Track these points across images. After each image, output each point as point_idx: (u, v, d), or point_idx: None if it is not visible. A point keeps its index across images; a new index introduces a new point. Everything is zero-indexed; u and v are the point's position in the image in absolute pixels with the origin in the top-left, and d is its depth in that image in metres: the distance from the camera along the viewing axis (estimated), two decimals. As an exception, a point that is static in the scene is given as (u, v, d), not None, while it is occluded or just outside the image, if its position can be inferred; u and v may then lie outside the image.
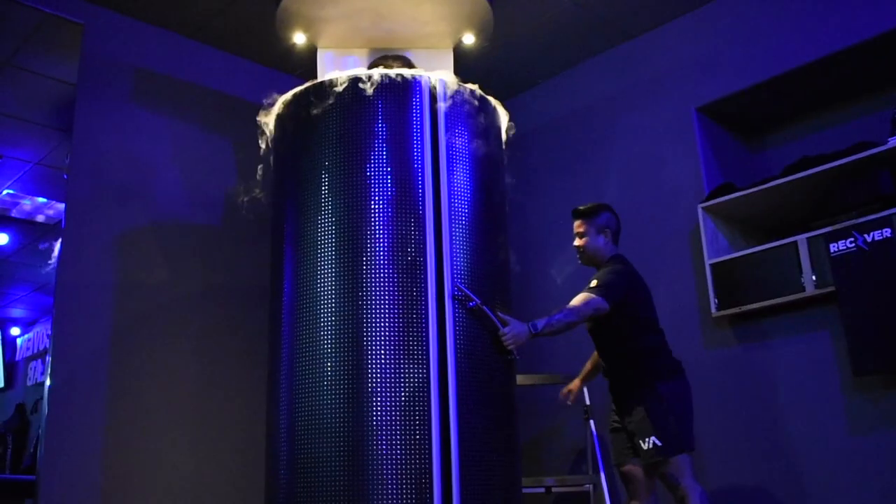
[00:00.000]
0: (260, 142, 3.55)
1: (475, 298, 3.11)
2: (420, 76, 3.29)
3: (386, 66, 3.54)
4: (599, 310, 3.47)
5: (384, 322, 2.96)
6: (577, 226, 3.77)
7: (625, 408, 3.55)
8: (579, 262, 3.83)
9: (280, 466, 3.04)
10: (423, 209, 3.12)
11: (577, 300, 3.48)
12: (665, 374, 3.52)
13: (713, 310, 4.14)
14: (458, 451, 2.91)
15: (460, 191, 3.24)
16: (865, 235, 3.69)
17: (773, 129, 4.75)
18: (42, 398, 4.04)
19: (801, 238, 3.90)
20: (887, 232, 3.63)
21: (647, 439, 3.41)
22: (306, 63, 4.27)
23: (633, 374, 3.55)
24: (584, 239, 3.74)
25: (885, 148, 3.76)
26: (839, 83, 4.32)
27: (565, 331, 3.48)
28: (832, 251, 3.76)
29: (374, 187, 3.11)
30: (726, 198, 4.18)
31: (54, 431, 3.74)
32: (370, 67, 3.73)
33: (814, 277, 3.83)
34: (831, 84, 4.32)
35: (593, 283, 3.56)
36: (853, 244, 3.71)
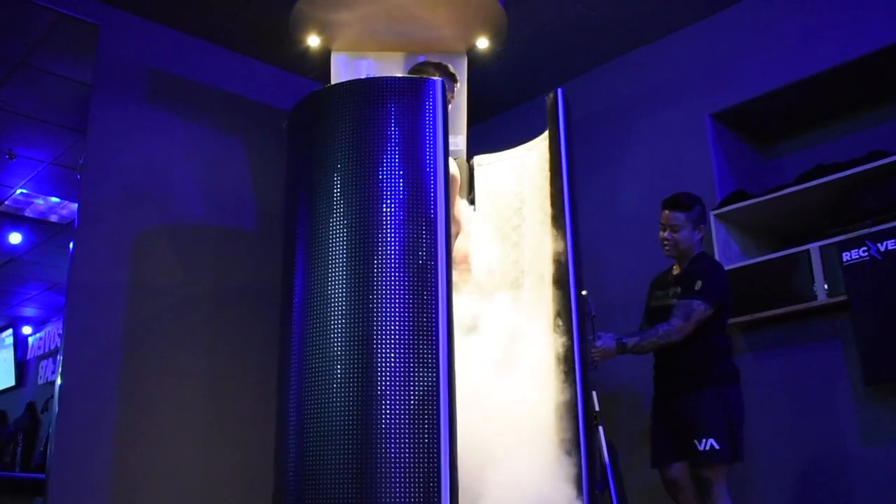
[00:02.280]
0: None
1: (593, 310, 3.16)
2: (433, 79, 3.29)
3: (427, 74, 3.52)
4: (702, 320, 3.46)
5: (394, 325, 2.96)
6: (671, 217, 3.68)
7: (682, 406, 3.49)
8: (666, 253, 3.75)
9: (289, 467, 3.04)
10: (435, 213, 3.11)
11: (680, 315, 3.45)
12: (730, 378, 3.51)
13: (725, 318, 4.12)
14: (466, 455, 2.89)
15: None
16: (879, 244, 3.67)
17: (787, 137, 4.73)
18: (53, 397, 4.05)
19: (813, 246, 3.88)
20: (901, 241, 3.61)
21: (704, 440, 3.36)
22: (320, 66, 4.28)
23: (700, 374, 3.50)
24: (679, 232, 3.67)
25: (899, 156, 3.75)
26: (854, 91, 4.30)
27: (656, 350, 3.52)
28: (845, 260, 3.75)
29: (386, 191, 3.11)
30: (739, 205, 4.17)
31: (64, 430, 3.75)
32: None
33: (826, 286, 3.81)
34: (846, 92, 4.30)
35: (697, 285, 3.50)
36: (866, 253, 3.69)
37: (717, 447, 3.34)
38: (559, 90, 3.48)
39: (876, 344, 3.62)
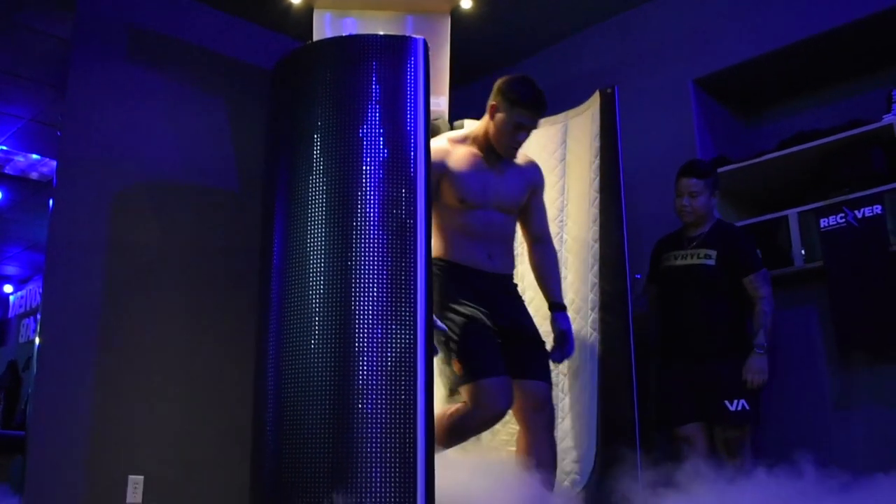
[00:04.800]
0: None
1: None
2: (416, 38, 3.27)
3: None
4: None
5: (373, 284, 2.96)
6: (690, 185, 3.76)
7: (710, 368, 3.58)
8: (685, 220, 3.83)
9: (267, 425, 3.07)
10: (416, 171, 3.11)
11: (766, 285, 3.63)
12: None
13: (703, 282, 4.15)
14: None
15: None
16: (856, 212, 3.70)
17: (770, 105, 4.74)
18: (33, 356, 4.06)
19: (792, 213, 3.91)
20: (878, 209, 3.64)
21: (736, 401, 3.48)
22: (303, 24, 4.24)
23: (731, 338, 3.62)
24: (697, 199, 3.75)
25: (879, 125, 3.77)
26: (837, 60, 4.30)
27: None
28: (822, 226, 3.78)
29: (367, 149, 3.10)
30: (719, 171, 4.18)
31: (43, 389, 3.75)
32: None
33: (803, 252, 3.84)
34: (829, 60, 4.30)
35: (757, 254, 3.71)
36: (843, 220, 3.72)
37: (747, 408, 3.48)
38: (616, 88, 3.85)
39: (851, 310, 3.66)
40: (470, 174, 3.27)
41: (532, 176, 3.47)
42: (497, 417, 3.12)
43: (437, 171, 3.19)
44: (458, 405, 3.15)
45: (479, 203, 3.26)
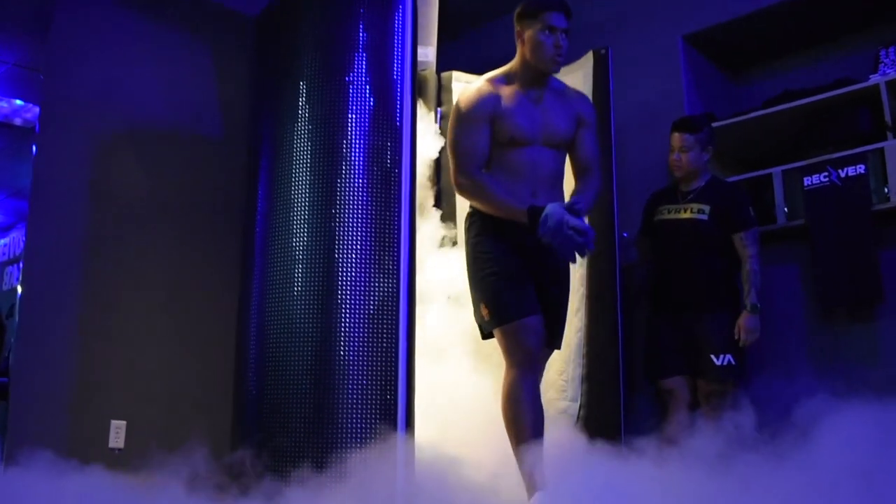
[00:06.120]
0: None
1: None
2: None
3: None
4: None
5: (357, 232, 2.98)
6: (681, 139, 3.77)
7: (699, 322, 3.61)
8: (676, 174, 3.84)
9: (249, 370, 3.09)
10: (402, 121, 3.11)
11: (755, 243, 3.63)
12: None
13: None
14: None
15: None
16: (839, 171, 3.71)
17: (758, 63, 4.73)
18: (16, 303, 4.05)
19: (776, 171, 3.92)
20: (861, 168, 3.66)
21: (722, 356, 3.52)
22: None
23: (720, 293, 3.65)
24: (687, 154, 3.76)
25: (865, 84, 3.78)
26: (825, 19, 4.28)
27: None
28: (806, 185, 3.80)
29: (353, 97, 3.09)
30: (706, 128, 4.19)
31: (25, 336, 3.75)
32: None
33: (786, 210, 3.86)
34: (817, 20, 4.29)
35: (749, 212, 3.69)
36: (826, 179, 3.74)
37: (734, 363, 3.52)
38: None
39: (832, 267, 3.69)
40: (517, 111, 3.05)
41: (579, 106, 3.21)
42: (528, 355, 2.87)
43: (492, 110, 2.99)
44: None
45: (528, 140, 3.03)
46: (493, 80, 3.09)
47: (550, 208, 2.76)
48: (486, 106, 2.97)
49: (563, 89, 3.20)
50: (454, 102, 3.09)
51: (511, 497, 2.77)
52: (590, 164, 3.16)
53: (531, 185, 3.00)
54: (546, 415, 2.87)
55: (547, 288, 3.00)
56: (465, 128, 2.95)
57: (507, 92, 3.05)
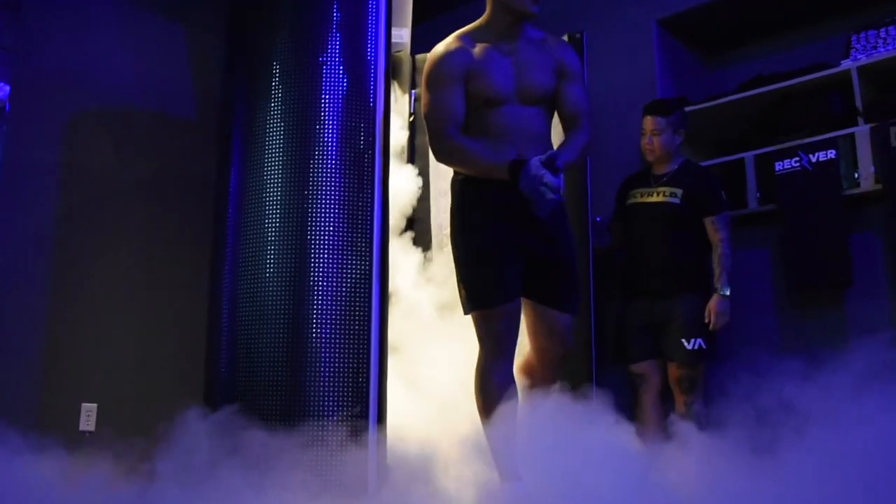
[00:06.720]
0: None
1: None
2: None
3: None
4: None
5: (329, 214, 2.96)
6: (652, 122, 3.77)
7: (669, 306, 3.61)
8: (648, 157, 3.83)
9: (221, 353, 3.08)
10: (375, 102, 3.09)
11: (726, 228, 3.62)
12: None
13: (659, 222, 4.19)
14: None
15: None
16: (811, 156, 3.74)
17: (732, 48, 4.75)
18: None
19: (748, 155, 3.95)
20: (832, 153, 3.69)
21: (693, 340, 3.53)
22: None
23: (690, 276, 3.65)
24: (659, 137, 3.75)
25: (837, 70, 3.81)
26: (798, 5, 4.31)
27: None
28: (777, 169, 3.82)
29: (327, 77, 3.07)
30: (678, 112, 4.20)
31: (-4, 313, 3.72)
32: None
33: (758, 195, 3.89)
34: (791, 5, 4.32)
35: (721, 196, 3.70)
36: (798, 163, 3.77)
37: (704, 347, 3.53)
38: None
39: (803, 252, 3.73)
40: (489, 66, 2.85)
41: (561, 54, 2.97)
42: (498, 342, 2.78)
43: (464, 68, 2.81)
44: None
45: (503, 97, 2.84)
46: (461, 37, 2.92)
47: (531, 161, 2.64)
48: (457, 63, 2.82)
49: (542, 38, 2.98)
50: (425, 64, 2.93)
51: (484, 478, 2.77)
52: (576, 117, 2.94)
53: (516, 148, 2.81)
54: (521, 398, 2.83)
55: (540, 249, 2.84)
56: (438, 89, 2.82)
57: (477, 49, 2.88)
